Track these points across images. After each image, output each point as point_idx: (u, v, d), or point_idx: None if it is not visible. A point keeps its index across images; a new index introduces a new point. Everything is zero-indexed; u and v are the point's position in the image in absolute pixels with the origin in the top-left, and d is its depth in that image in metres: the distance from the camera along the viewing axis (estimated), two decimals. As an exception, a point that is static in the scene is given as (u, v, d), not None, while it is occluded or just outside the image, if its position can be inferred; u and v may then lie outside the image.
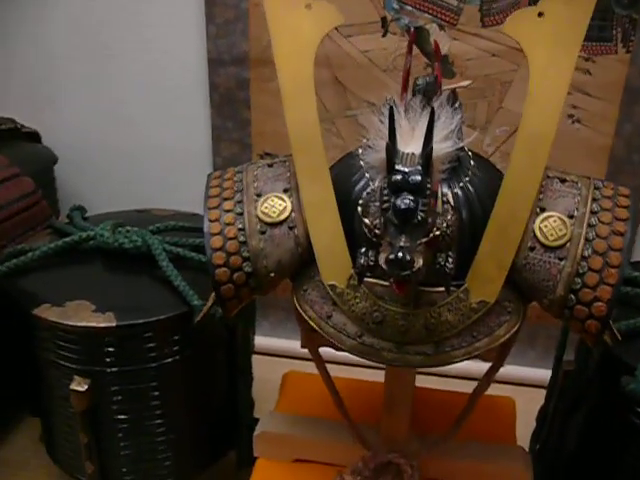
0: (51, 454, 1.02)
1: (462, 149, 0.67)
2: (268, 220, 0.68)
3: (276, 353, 1.30)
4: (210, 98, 1.25)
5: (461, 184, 0.66)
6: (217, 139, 1.27)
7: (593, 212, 0.64)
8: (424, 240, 0.51)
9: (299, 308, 0.69)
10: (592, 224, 0.63)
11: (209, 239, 0.68)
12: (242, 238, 0.68)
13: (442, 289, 0.62)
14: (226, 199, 0.70)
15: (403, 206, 0.50)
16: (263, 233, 0.68)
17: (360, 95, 1.23)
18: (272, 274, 0.68)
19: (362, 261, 0.56)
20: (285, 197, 0.69)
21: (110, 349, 0.90)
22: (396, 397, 0.81)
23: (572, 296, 0.63)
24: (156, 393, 0.94)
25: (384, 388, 0.81)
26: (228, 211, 0.69)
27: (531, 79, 0.64)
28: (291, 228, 0.67)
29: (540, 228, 0.64)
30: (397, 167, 0.52)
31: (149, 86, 1.28)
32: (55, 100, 1.32)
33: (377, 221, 0.53)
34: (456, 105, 0.67)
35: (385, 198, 0.51)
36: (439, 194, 0.60)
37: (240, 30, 1.20)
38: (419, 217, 0.50)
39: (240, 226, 0.68)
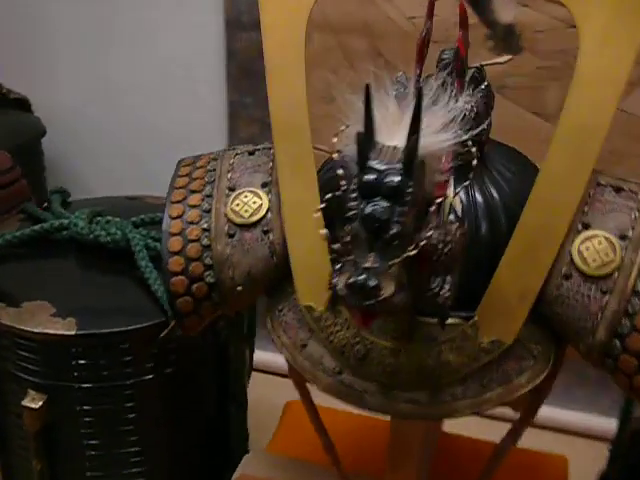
0: (6, 480, 1.02)
1: (485, 142, 0.62)
2: (238, 221, 0.65)
3: (281, 372, 1.25)
4: (226, 69, 1.23)
5: (481, 188, 0.61)
6: (233, 117, 1.25)
7: None
8: (397, 260, 0.46)
9: (272, 332, 0.65)
10: None
11: (167, 240, 0.66)
12: (206, 241, 0.65)
13: (452, 319, 0.58)
14: (193, 192, 0.67)
15: (373, 215, 0.46)
16: (231, 236, 0.65)
17: (405, 71, 1.18)
18: (239, 287, 0.65)
19: (336, 280, 0.51)
20: (262, 193, 0.65)
21: (76, 361, 0.88)
22: (404, 448, 0.76)
23: (617, 342, 0.57)
24: (131, 416, 0.92)
25: (389, 435, 0.76)
26: (193, 207, 0.66)
27: (580, 56, 0.58)
28: (265, 232, 0.64)
29: (580, 251, 0.58)
30: (371, 164, 0.47)
31: (155, 53, 1.27)
32: (50, 65, 1.32)
33: (343, 232, 0.49)
34: (482, 87, 0.62)
35: (352, 204, 0.47)
36: (445, 201, 0.56)
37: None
38: (393, 230, 0.46)
39: (205, 226, 0.65)
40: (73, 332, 0.85)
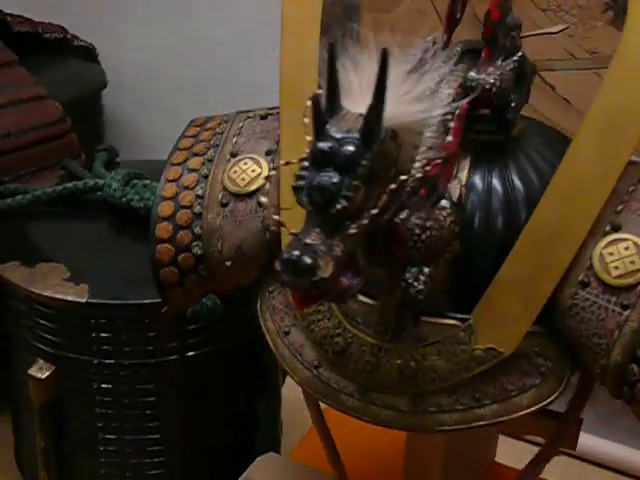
0: (17, 457, 1.07)
1: (513, 121, 0.61)
2: (234, 189, 0.66)
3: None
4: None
5: (502, 174, 0.60)
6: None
7: None
8: (337, 239, 0.46)
9: (260, 316, 0.66)
10: None
11: (158, 204, 0.67)
12: (197, 209, 0.66)
13: (442, 319, 0.58)
14: (196, 155, 0.69)
15: (319, 186, 0.46)
16: (224, 206, 0.65)
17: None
18: (228, 262, 0.65)
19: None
20: (264, 162, 0.66)
21: (96, 334, 0.92)
22: (420, 471, 0.76)
23: (635, 367, 0.54)
24: (151, 399, 0.95)
25: (404, 455, 0.76)
26: (192, 170, 0.68)
27: (627, 29, 0.56)
28: (261, 204, 0.64)
29: (602, 255, 0.56)
30: (329, 131, 0.47)
31: (232, 8, 1.30)
32: (119, 17, 1.37)
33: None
34: (514, 58, 0.61)
35: (302, 173, 0.47)
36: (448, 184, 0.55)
37: None
38: (339, 205, 0.45)
39: (200, 192, 0.66)
40: (84, 299, 0.89)
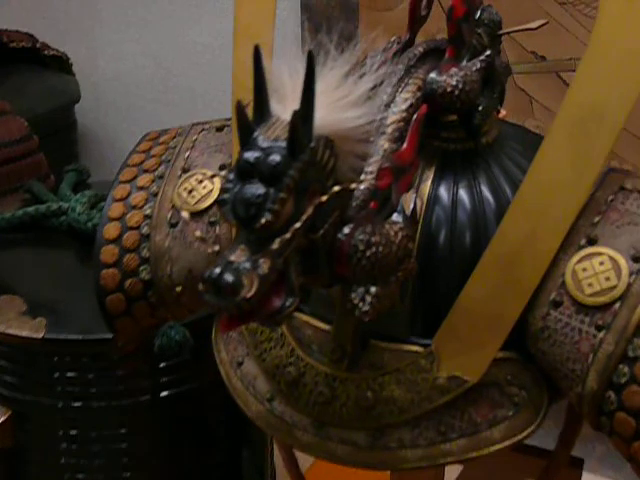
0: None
1: (480, 127, 0.63)
2: (184, 207, 0.68)
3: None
4: (301, 27, 1.27)
5: (470, 185, 0.62)
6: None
7: None
8: (260, 255, 0.48)
9: (214, 346, 0.69)
10: None
11: (103, 225, 0.70)
12: (146, 229, 0.69)
13: (402, 345, 0.60)
14: (146, 171, 0.72)
15: (242, 199, 0.48)
16: (174, 226, 0.68)
17: (521, 42, 1.18)
18: (178, 288, 0.68)
19: None
20: (217, 178, 0.69)
21: (60, 373, 0.94)
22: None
23: (612, 394, 0.56)
24: (122, 446, 0.97)
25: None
26: (141, 188, 0.71)
27: (597, 23, 0.58)
28: (212, 224, 0.67)
29: (575, 271, 0.57)
30: (256, 140, 0.50)
31: (218, 13, 1.34)
32: (97, 19, 1.42)
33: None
34: (481, 57, 0.63)
35: (227, 185, 0.49)
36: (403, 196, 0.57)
37: None
38: (263, 219, 0.48)
39: (148, 212, 0.69)
40: (41, 335, 0.92)
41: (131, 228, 0.70)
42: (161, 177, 0.71)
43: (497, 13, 0.68)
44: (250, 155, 0.49)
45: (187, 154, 0.71)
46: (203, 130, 0.73)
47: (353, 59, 0.54)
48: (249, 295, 0.47)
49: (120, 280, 0.69)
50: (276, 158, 0.48)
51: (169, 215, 0.69)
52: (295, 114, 0.47)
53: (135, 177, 0.72)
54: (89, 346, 0.92)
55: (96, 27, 1.42)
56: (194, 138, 0.72)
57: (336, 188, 0.50)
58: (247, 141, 0.49)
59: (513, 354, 0.60)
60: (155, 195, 0.70)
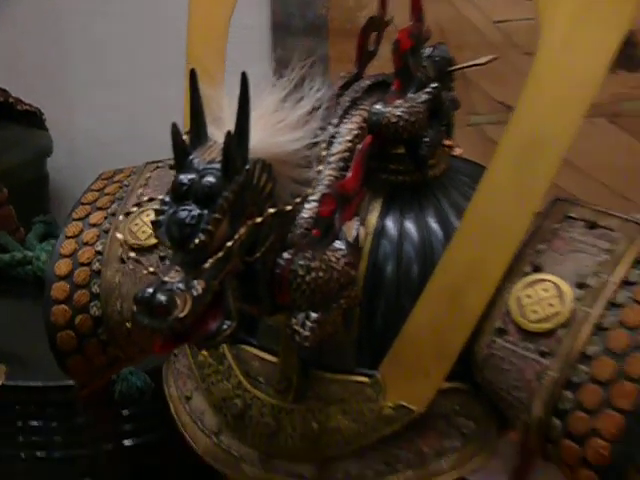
0: None
1: (427, 160, 0.63)
2: (134, 243, 0.68)
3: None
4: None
5: (418, 218, 0.62)
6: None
7: (627, 282, 0.57)
8: (193, 276, 0.48)
9: (164, 382, 0.68)
10: (617, 303, 0.56)
11: (55, 262, 0.70)
12: (97, 266, 0.69)
13: (347, 375, 0.60)
14: (99, 209, 0.72)
15: (176, 220, 0.48)
16: (124, 262, 0.68)
17: (490, 92, 1.19)
18: (128, 324, 0.68)
19: None
20: None
21: (17, 421, 0.94)
22: None
23: (557, 421, 0.55)
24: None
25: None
26: (93, 225, 0.71)
27: (540, 49, 0.59)
28: (163, 259, 0.67)
29: (519, 298, 0.58)
30: (192, 162, 0.50)
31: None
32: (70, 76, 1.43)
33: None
34: (427, 90, 0.64)
35: (161, 207, 0.50)
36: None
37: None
38: (196, 240, 0.48)
39: (99, 248, 0.70)
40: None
41: (82, 264, 0.70)
42: (113, 214, 0.71)
43: (447, 51, 0.69)
44: (184, 177, 0.49)
45: (140, 191, 0.72)
46: (157, 168, 0.74)
47: (291, 84, 0.54)
48: (182, 315, 0.47)
49: (71, 316, 0.70)
50: (211, 179, 0.49)
51: (120, 251, 0.69)
52: (228, 134, 0.48)
53: (88, 215, 0.72)
54: (50, 393, 0.92)
55: (70, 83, 1.43)
56: (147, 176, 0.73)
57: (271, 210, 0.51)
58: (183, 164, 0.50)
59: (462, 385, 0.60)
60: (107, 232, 0.70)
